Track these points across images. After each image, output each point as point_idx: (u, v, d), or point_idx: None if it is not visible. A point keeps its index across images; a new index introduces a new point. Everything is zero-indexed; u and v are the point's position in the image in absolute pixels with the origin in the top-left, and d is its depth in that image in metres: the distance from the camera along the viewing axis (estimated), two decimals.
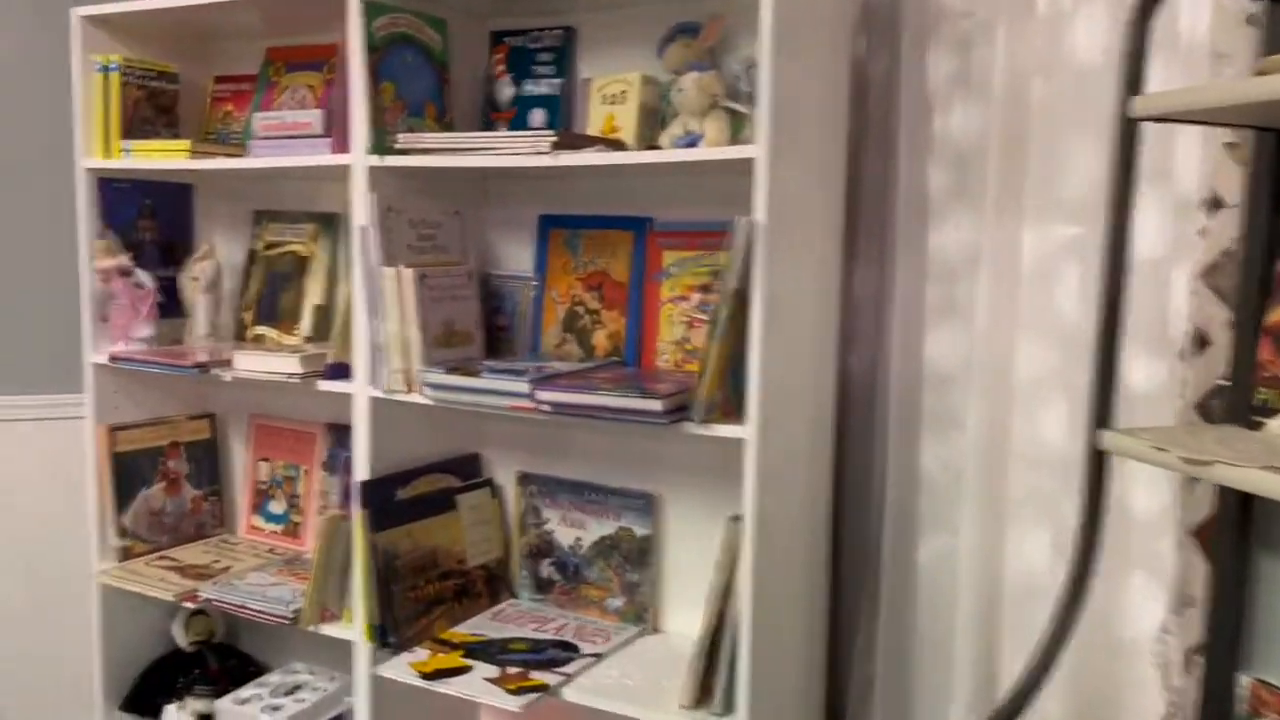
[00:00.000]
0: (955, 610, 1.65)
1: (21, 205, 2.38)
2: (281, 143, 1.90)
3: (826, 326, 1.72)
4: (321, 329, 2.16)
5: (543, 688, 1.66)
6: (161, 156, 2.02)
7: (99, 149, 2.08)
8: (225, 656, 2.30)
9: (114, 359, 2.08)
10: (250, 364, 1.93)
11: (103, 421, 2.14)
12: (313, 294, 2.17)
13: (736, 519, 1.56)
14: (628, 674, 1.73)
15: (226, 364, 1.97)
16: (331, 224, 2.16)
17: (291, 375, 1.89)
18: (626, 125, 1.77)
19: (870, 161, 1.74)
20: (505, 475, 2.05)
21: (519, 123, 1.93)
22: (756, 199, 1.47)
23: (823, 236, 1.68)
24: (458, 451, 2.03)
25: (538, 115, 1.91)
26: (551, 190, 1.96)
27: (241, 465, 2.36)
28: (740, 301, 1.50)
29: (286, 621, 1.90)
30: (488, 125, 1.96)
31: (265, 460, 2.31)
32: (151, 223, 2.22)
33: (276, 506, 2.29)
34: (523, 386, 1.65)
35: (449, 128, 1.89)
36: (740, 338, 1.51)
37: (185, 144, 1.99)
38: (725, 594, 1.58)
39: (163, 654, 2.28)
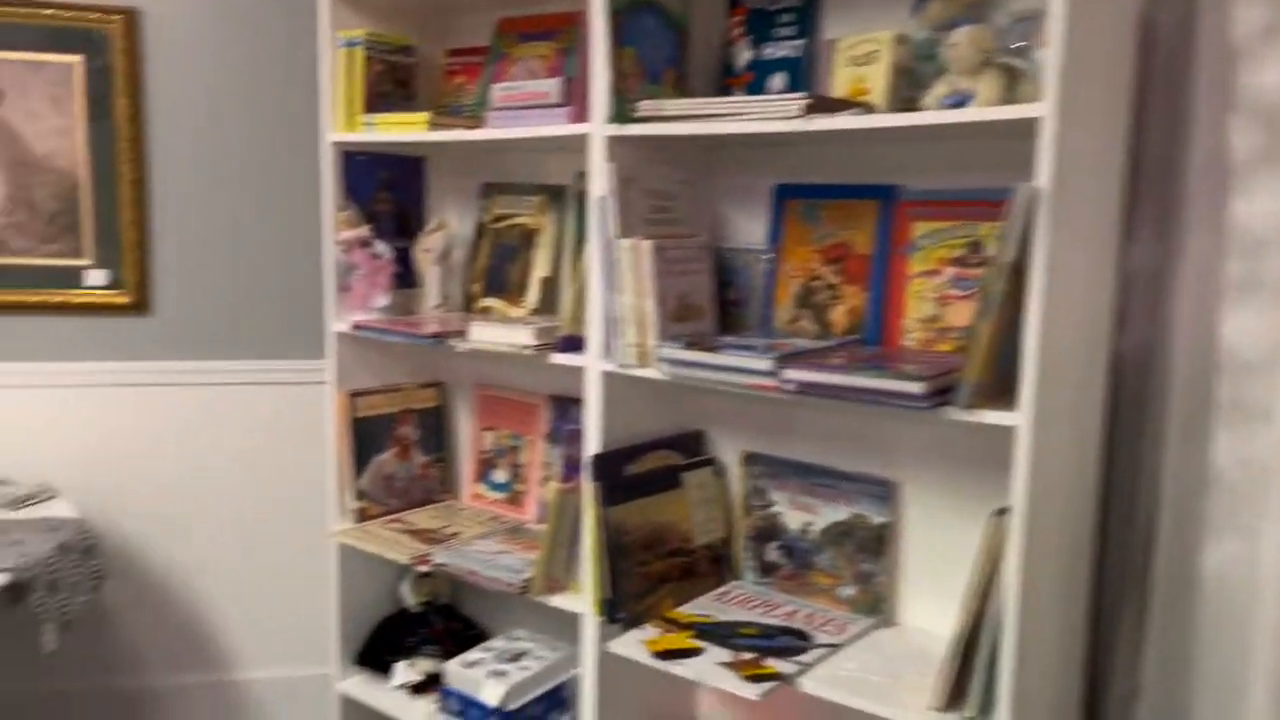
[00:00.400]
0: (1250, 624, 1.47)
1: (271, 179, 2.50)
2: (519, 113, 1.89)
3: (1101, 305, 1.56)
4: (547, 301, 2.16)
5: (779, 676, 1.60)
6: (401, 129, 2.06)
7: (342, 123, 2.14)
8: (449, 618, 2.36)
9: (357, 327, 2.15)
10: (485, 335, 1.95)
11: (342, 387, 2.23)
12: (540, 266, 2.17)
13: (1002, 512, 1.44)
14: (867, 668, 1.64)
15: (461, 334, 1.99)
16: (559, 196, 2.16)
17: (525, 347, 1.89)
18: (876, 87, 1.66)
19: (1156, 122, 1.57)
20: (729, 454, 2.00)
21: (756, 88, 1.85)
22: (1040, 163, 1.34)
23: (1101, 205, 1.53)
24: (682, 428, 1.99)
25: (777, 80, 1.83)
26: (788, 158, 1.87)
27: (466, 434, 2.41)
28: (1016, 276, 1.37)
29: (516, 590, 1.92)
30: (723, 91, 1.89)
31: (490, 429, 2.34)
32: (388, 195, 2.28)
33: (500, 475, 2.32)
34: (765, 364, 1.58)
35: (687, 94, 1.83)
36: (1013, 316, 1.38)
37: (424, 116, 2.02)
38: (985, 591, 1.46)
39: (390, 613, 2.37)
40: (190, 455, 2.54)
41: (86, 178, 2.41)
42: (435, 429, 2.38)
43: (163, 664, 2.60)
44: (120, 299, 2.47)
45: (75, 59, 2.37)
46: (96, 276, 2.45)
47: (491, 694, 1.99)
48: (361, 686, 2.28)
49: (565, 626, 2.10)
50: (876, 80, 1.66)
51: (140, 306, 2.48)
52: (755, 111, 1.58)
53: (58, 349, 2.46)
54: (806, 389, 1.54)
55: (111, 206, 2.43)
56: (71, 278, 2.44)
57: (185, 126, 2.46)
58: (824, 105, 1.56)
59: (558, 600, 1.93)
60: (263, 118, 2.48)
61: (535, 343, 1.89)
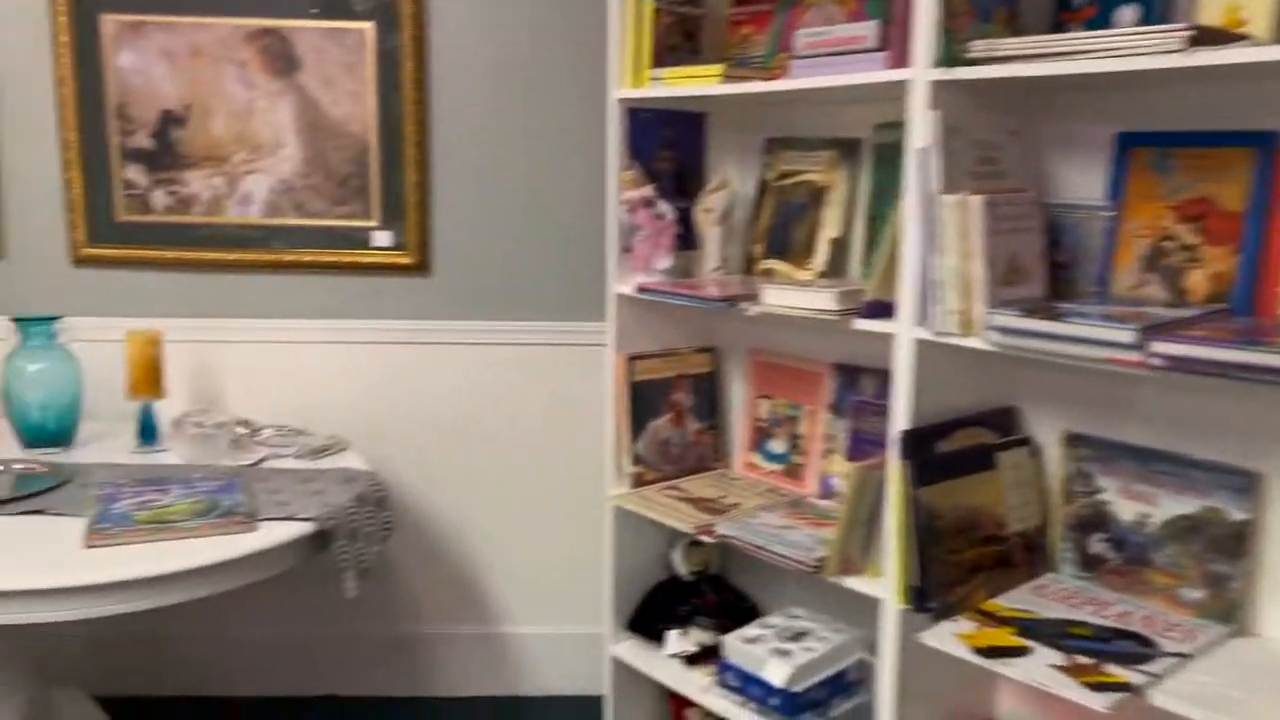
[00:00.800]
0: None
1: (552, 139, 2.50)
2: (827, 60, 1.76)
3: None
4: (836, 263, 2.03)
5: (1127, 686, 1.42)
6: (691, 83, 1.97)
7: (629, 78, 2.08)
8: (719, 589, 2.30)
9: (641, 290, 2.10)
10: (780, 299, 1.84)
11: (621, 350, 2.19)
12: (829, 226, 2.04)
13: None
14: (1228, 683, 1.44)
15: (752, 298, 1.90)
16: (853, 151, 2.01)
17: (825, 312, 1.78)
18: (1256, 16, 1.42)
19: None
20: (1045, 433, 1.81)
21: (1099, 23, 1.63)
22: None
23: None
24: (993, 404, 1.82)
25: (1127, 13, 1.61)
26: (1128, 103, 1.65)
27: (740, 401, 2.32)
28: None
29: (808, 569, 1.82)
30: (1058, 28, 1.69)
31: (765, 398, 2.25)
32: (669, 153, 2.21)
33: (777, 446, 2.23)
34: (1126, 336, 1.39)
35: (1019, 33, 1.65)
36: None
37: (717, 69, 1.92)
38: None
39: (661, 580, 2.33)
40: (468, 413, 2.60)
41: (375, 142, 2.48)
42: (708, 395, 2.32)
43: (438, 614, 2.69)
44: (403, 259, 2.54)
45: (367, 25, 2.43)
46: (382, 238, 2.53)
47: (777, 673, 1.91)
48: (634, 651, 2.26)
49: (848, 609, 2.00)
50: (1258, 7, 1.42)
51: (422, 267, 2.54)
52: (1123, 47, 1.38)
53: (346, 306, 2.56)
54: (1179, 365, 1.34)
55: (396, 170, 2.49)
56: (360, 238, 2.53)
57: (467, 89, 2.48)
58: (1210, 37, 1.34)
59: (852, 582, 1.81)
60: (544, 77, 2.46)
61: (838, 307, 1.77)
